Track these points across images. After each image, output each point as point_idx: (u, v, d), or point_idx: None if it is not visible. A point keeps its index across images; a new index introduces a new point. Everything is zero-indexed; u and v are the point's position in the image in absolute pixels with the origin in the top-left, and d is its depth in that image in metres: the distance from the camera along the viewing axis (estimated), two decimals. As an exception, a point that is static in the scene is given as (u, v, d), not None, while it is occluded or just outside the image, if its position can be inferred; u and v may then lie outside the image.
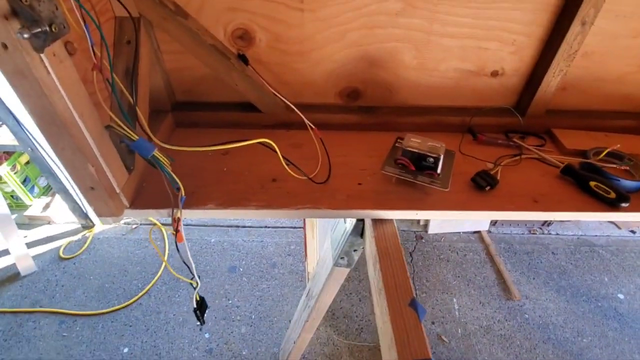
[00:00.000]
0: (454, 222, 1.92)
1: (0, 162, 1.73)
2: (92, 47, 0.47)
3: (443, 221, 1.91)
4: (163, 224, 1.86)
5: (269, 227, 1.90)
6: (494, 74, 0.75)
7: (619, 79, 0.77)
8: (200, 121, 0.77)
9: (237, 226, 1.90)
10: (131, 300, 1.53)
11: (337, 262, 0.78)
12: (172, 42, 0.68)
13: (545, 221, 2.03)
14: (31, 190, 1.91)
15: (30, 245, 1.70)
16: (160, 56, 0.71)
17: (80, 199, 1.76)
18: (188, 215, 0.58)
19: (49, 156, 1.59)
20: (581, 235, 1.99)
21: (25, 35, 0.34)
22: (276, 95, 0.71)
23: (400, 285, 0.51)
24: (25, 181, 1.86)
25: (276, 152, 0.55)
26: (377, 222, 0.60)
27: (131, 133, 0.50)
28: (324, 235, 1.19)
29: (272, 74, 0.74)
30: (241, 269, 1.69)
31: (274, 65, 0.73)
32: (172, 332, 1.44)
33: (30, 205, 1.88)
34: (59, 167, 1.64)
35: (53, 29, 0.38)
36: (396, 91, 0.77)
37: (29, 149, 1.55)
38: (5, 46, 0.36)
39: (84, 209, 1.80)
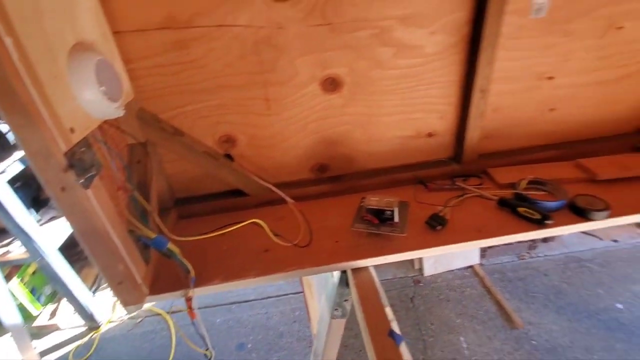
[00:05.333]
0: (445, 261, 2.01)
1: (10, 277, 1.80)
2: (117, 173, 0.63)
3: (436, 261, 2.00)
4: (168, 312, 1.90)
5: (271, 297, 1.95)
6: (430, 135, 0.94)
7: (530, 121, 0.97)
8: (198, 211, 0.92)
9: (240, 302, 1.94)
10: (144, 397, 1.51)
11: (332, 314, 0.88)
12: (171, 153, 0.85)
13: (531, 245, 2.14)
14: (38, 299, 1.95)
15: (41, 354, 1.70)
16: (163, 165, 0.88)
17: (85, 301, 1.81)
18: (198, 293, 0.70)
19: (54, 263, 1.68)
20: (567, 252, 2.09)
21: (81, 181, 0.50)
22: (258, 181, 0.87)
23: (380, 320, 0.62)
24: (32, 291, 1.92)
25: (264, 228, 0.70)
26: (355, 271, 0.72)
27: (149, 232, 0.64)
28: (321, 294, 1.27)
29: (253, 164, 0.91)
30: (249, 345, 1.71)
31: (254, 157, 0.90)
32: None
33: (37, 315, 1.91)
34: (64, 273, 1.72)
35: (95, 171, 0.54)
36: (355, 160, 0.95)
37: (38, 258, 1.65)
38: (63, 189, 0.52)
39: (89, 311, 1.84)
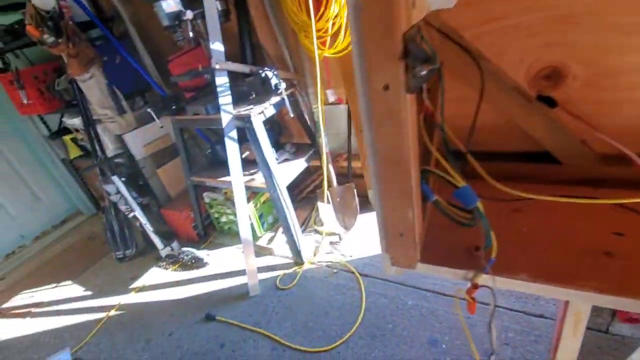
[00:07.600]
0: None
1: (248, 201, 2.20)
2: (425, 92, 0.46)
3: None
4: (361, 274, 1.87)
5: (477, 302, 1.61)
6: None
7: None
8: (471, 172, 0.69)
9: (437, 292, 1.70)
10: (331, 346, 1.54)
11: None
12: (455, 89, 0.64)
13: None
14: (263, 224, 2.33)
15: (258, 271, 2.01)
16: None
17: (297, 237, 2.01)
18: (493, 283, 0.48)
19: (283, 197, 1.91)
20: None
21: (423, 73, 0.34)
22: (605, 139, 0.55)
23: None
24: (260, 216, 2.30)
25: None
26: None
27: (457, 179, 0.45)
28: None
29: (583, 116, 0.59)
30: (444, 346, 1.46)
31: (587, 105, 0.58)
32: (367, 396, 1.34)
33: (260, 237, 2.29)
34: (287, 208, 1.94)
35: (433, 64, 0.37)
36: None
37: (272, 191, 1.90)
38: (387, 87, 0.37)
39: (298, 247, 2.04)
